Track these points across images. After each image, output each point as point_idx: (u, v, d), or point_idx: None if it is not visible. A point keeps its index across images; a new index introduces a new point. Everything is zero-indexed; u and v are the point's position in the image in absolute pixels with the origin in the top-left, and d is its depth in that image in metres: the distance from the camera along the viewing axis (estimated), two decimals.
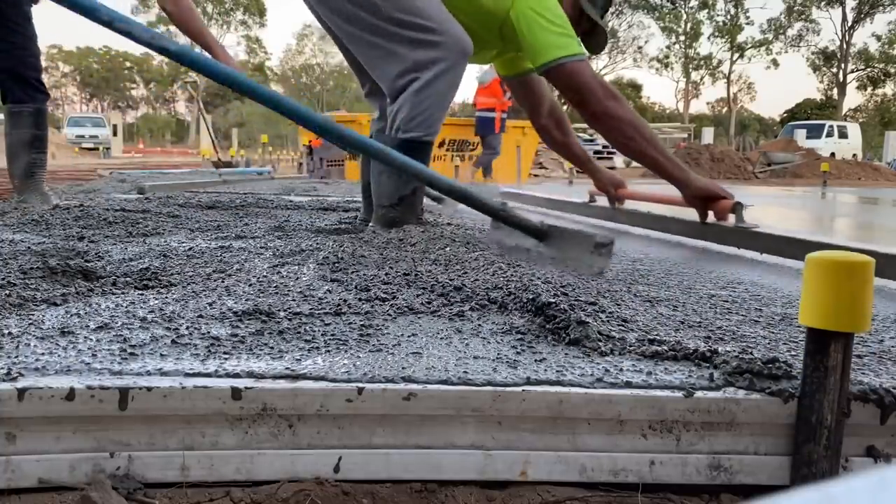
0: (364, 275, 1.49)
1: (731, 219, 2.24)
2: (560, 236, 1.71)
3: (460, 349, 0.95)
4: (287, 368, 0.83)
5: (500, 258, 1.83)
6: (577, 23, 2.30)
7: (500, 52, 2.51)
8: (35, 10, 2.96)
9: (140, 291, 1.24)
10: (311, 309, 1.13)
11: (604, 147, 18.93)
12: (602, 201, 3.13)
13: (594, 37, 2.44)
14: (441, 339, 1.00)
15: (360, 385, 0.80)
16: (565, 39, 2.18)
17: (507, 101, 9.32)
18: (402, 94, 2.15)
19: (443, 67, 2.13)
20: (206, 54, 2.74)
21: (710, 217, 2.33)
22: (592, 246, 1.60)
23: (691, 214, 2.43)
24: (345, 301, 1.20)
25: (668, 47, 50.52)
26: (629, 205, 3.02)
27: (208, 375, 0.80)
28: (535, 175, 13.14)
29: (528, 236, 1.74)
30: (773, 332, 1.14)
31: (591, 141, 19.92)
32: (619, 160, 18.10)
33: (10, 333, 0.93)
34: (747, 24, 49.91)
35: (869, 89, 49.52)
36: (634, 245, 2.38)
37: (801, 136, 22.31)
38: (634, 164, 13.79)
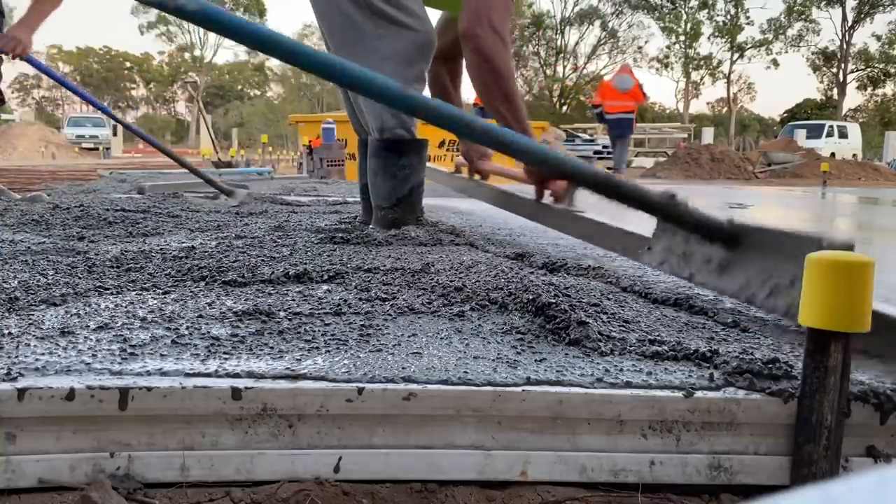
0: (364, 275, 1.48)
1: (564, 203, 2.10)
2: (758, 240, 1.15)
3: (460, 349, 0.95)
4: (287, 368, 0.83)
5: (503, 259, 1.83)
6: None
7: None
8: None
9: (140, 291, 1.24)
10: (311, 309, 1.13)
11: (604, 147, 18.92)
12: (465, 172, 2.93)
13: None
14: (441, 339, 1.00)
15: (360, 385, 0.80)
16: None
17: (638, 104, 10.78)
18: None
19: (401, 61, 2.13)
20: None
21: (546, 197, 2.19)
22: (796, 245, 1.01)
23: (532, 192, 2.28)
24: (345, 301, 1.20)
25: (668, 47, 50.52)
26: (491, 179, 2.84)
27: (208, 375, 0.80)
28: None
29: (705, 240, 1.25)
30: (774, 332, 1.13)
31: (592, 141, 19.92)
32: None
33: (10, 333, 0.93)
34: (747, 24, 49.90)
35: (869, 89, 49.53)
36: None
37: (801, 136, 22.30)
38: (636, 163, 13.69)
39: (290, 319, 1.06)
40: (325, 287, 1.34)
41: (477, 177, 2.81)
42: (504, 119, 2.09)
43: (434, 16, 2.39)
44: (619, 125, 10.93)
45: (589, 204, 2.03)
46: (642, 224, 1.50)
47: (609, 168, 11.55)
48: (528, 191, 2.29)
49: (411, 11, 2.16)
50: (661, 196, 1.28)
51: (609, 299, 1.31)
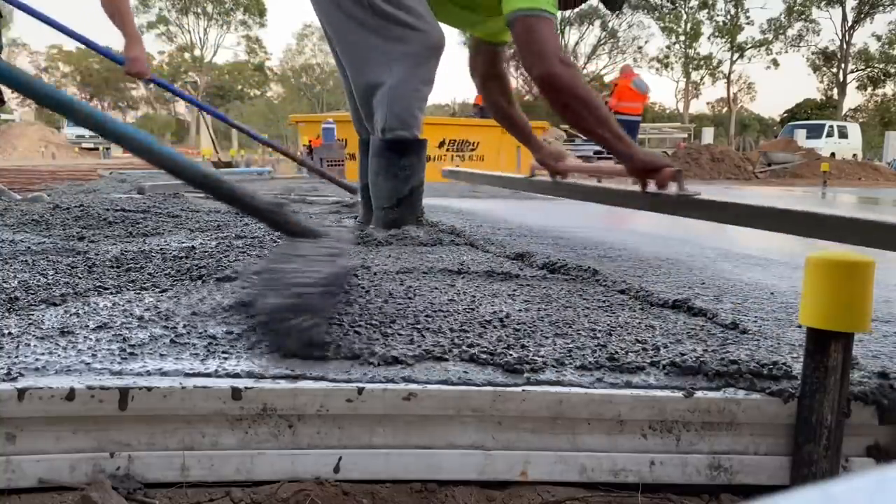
0: (363, 274, 1.49)
1: (673, 189, 2.13)
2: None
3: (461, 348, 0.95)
4: (287, 368, 0.83)
5: (503, 259, 1.83)
6: None
7: (480, 22, 2.46)
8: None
9: (139, 291, 1.24)
10: None
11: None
12: (545, 177, 2.96)
13: None
14: (441, 338, 1.00)
15: (360, 385, 0.80)
16: None
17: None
18: (374, 89, 2.16)
19: (411, 63, 2.14)
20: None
21: (652, 187, 2.21)
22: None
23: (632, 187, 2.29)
24: (345, 301, 1.20)
25: (668, 47, 50.49)
26: (571, 178, 2.85)
27: (208, 375, 0.80)
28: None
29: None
30: (774, 332, 1.13)
31: (591, 141, 19.87)
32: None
33: (10, 333, 0.92)
34: (747, 24, 49.88)
35: (869, 89, 49.50)
36: (613, 236, 2.38)
37: (801, 136, 22.29)
38: None
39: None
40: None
41: (559, 177, 2.84)
42: (607, 141, 2.16)
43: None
44: (631, 126, 11.27)
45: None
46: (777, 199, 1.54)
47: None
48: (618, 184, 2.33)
49: (417, 13, 2.17)
50: (268, 203, 1.18)
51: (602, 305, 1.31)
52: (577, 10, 2.43)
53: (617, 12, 2.57)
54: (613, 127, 2.20)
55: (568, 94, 2.10)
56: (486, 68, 2.67)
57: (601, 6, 2.50)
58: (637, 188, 2.23)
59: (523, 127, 2.84)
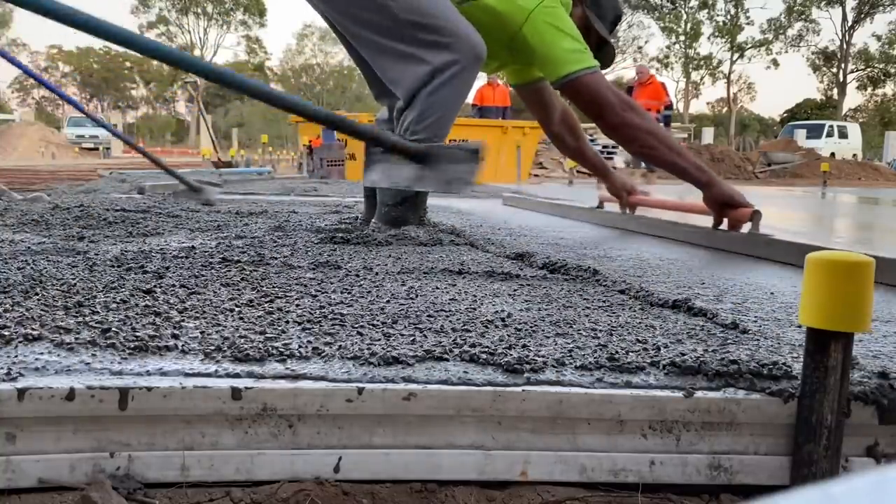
0: (365, 275, 1.49)
1: (746, 227, 2.21)
2: (438, 154, 1.84)
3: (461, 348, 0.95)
4: (287, 368, 0.83)
5: (503, 260, 1.83)
6: (586, 38, 2.30)
7: (504, 63, 2.51)
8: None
9: (140, 290, 1.24)
10: (310, 308, 1.13)
11: (604, 147, 18.89)
12: (612, 206, 3.10)
13: (603, 53, 2.44)
14: (441, 338, 1.00)
15: (360, 385, 0.80)
16: (579, 54, 2.19)
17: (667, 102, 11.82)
18: (415, 95, 2.14)
19: (457, 70, 2.13)
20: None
21: (724, 224, 2.30)
22: (465, 155, 1.72)
23: (702, 221, 2.41)
24: (344, 301, 1.20)
25: (668, 47, 50.52)
26: (640, 210, 2.98)
27: (208, 375, 0.80)
28: (536, 175, 13.12)
29: (409, 161, 1.82)
30: (774, 332, 1.13)
31: (592, 141, 19.92)
32: (619, 160, 18.06)
33: (9, 333, 0.92)
34: (747, 24, 49.89)
35: (869, 89, 49.53)
36: (632, 244, 2.38)
37: (801, 136, 22.30)
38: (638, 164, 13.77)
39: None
40: (324, 287, 1.34)
41: (629, 210, 2.93)
42: (685, 171, 2.26)
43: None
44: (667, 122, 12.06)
45: (770, 227, 2.14)
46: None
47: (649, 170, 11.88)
48: (691, 219, 2.44)
49: (455, 20, 2.14)
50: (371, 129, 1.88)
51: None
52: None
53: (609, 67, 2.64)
54: (688, 155, 2.31)
55: (640, 132, 2.22)
56: (544, 116, 2.77)
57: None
58: (709, 223, 2.33)
59: (595, 160, 2.97)
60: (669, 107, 12.27)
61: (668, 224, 2.63)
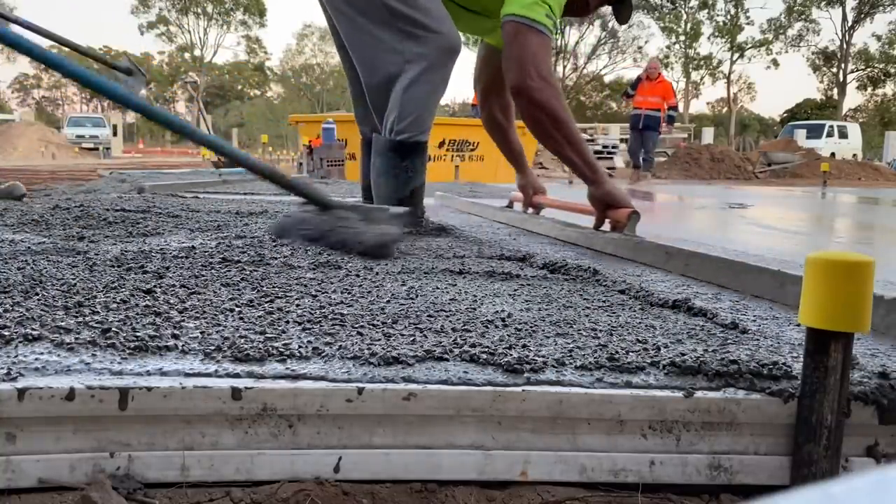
0: (364, 274, 1.49)
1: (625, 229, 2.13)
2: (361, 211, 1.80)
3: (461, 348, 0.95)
4: (287, 368, 0.83)
5: (503, 259, 1.83)
6: None
7: (494, 28, 2.45)
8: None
9: (140, 290, 1.24)
10: (310, 308, 1.13)
11: (603, 147, 18.91)
12: (519, 206, 3.00)
13: (621, 7, 2.41)
14: (442, 338, 1.00)
15: (360, 385, 0.80)
16: (538, 6, 2.08)
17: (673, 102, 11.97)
18: (388, 86, 2.15)
19: (426, 65, 2.13)
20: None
21: (606, 225, 2.24)
22: (387, 217, 1.67)
23: (588, 221, 2.32)
24: (344, 301, 1.20)
25: (668, 47, 50.53)
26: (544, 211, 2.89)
27: (208, 375, 0.80)
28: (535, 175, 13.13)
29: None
30: (774, 332, 1.13)
31: (591, 141, 19.92)
32: (619, 160, 18.08)
33: (9, 333, 0.92)
34: (747, 24, 49.89)
35: (869, 89, 49.53)
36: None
37: (801, 136, 22.30)
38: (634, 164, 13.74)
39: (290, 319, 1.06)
40: (324, 287, 1.34)
41: (531, 210, 2.90)
42: (574, 164, 2.18)
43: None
44: (647, 122, 11.97)
45: (645, 232, 2.09)
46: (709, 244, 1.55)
47: (609, 168, 11.82)
48: (586, 221, 2.35)
49: (433, 15, 2.15)
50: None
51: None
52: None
53: (626, 24, 2.58)
54: (584, 151, 2.19)
55: (538, 109, 2.10)
56: (490, 80, 2.68)
57: (601, 9, 2.50)
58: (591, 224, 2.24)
59: (515, 146, 2.84)
60: (675, 108, 12.25)
61: (556, 224, 2.51)
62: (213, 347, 0.89)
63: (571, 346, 0.98)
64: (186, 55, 54.50)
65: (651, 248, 1.91)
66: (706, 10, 48.37)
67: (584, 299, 1.34)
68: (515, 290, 1.40)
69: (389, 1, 2.10)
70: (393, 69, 2.15)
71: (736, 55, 49.60)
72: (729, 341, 1.05)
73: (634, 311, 1.26)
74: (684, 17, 48.77)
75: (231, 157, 1.87)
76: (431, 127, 2.27)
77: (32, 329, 0.94)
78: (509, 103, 2.72)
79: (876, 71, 47.86)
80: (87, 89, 1.51)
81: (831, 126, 25.09)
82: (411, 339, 0.98)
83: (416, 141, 2.20)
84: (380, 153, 2.26)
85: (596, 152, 18.51)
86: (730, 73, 50.29)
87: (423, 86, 2.15)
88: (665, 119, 11.79)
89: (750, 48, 49.62)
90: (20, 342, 0.89)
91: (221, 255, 1.64)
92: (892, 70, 47.14)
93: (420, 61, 2.12)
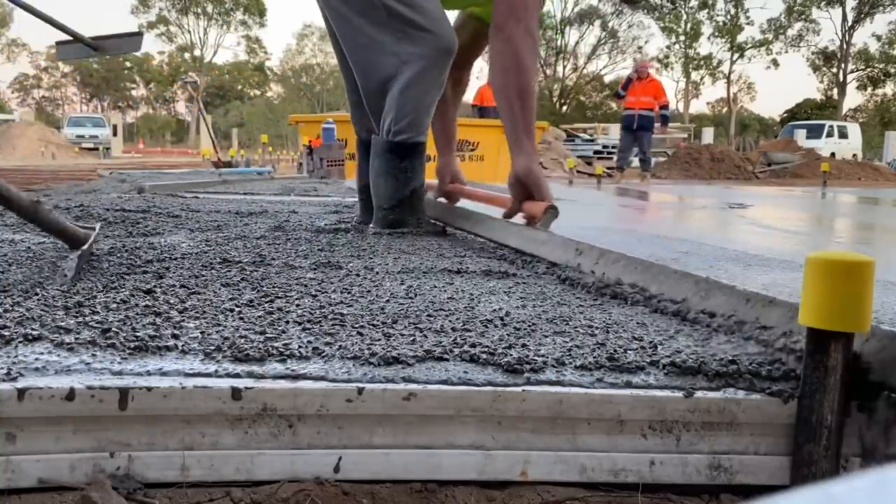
0: (364, 274, 1.49)
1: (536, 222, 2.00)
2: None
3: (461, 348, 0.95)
4: (287, 368, 0.83)
5: (499, 262, 1.83)
6: None
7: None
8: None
9: (140, 290, 1.24)
10: (310, 308, 1.13)
11: (603, 147, 18.91)
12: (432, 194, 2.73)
13: None
14: (441, 338, 1.00)
15: (360, 385, 0.80)
16: None
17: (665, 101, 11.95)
18: (383, 87, 2.15)
19: (423, 64, 2.13)
20: None
21: (519, 216, 2.12)
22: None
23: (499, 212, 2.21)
24: (344, 301, 1.20)
25: (668, 47, 50.54)
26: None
27: (208, 375, 0.80)
28: None
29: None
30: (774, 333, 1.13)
31: (591, 141, 19.91)
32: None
33: (9, 333, 0.92)
34: (747, 24, 49.89)
35: (869, 89, 49.53)
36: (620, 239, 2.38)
37: (801, 136, 22.30)
38: (635, 163, 13.74)
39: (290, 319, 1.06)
40: (324, 287, 1.34)
41: (443, 199, 2.69)
42: (512, 112, 2.06)
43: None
44: (641, 123, 12.00)
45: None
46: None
47: (610, 169, 11.80)
48: (496, 213, 2.20)
49: (430, 15, 2.15)
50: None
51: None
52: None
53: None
54: (530, 109, 2.08)
55: (510, 49, 2.04)
56: (467, 43, 2.51)
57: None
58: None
59: (449, 126, 2.68)
60: (666, 106, 12.27)
61: (464, 214, 2.39)
62: (213, 347, 0.89)
63: (570, 344, 0.98)
64: (186, 55, 54.52)
65: (558, 240, 1.75)
66: (706, 10, 48.38)
67: (577, 297, 1.34)
68: (511, 288, 1.41)
69: (388, 1, 2.10)
70: (389, 71, 2.15)
71: (736, 55, 49.62)
72: (729, 342, 1.04)
73: (623, 307, 1.26)
74: (684, 17, 48.77)
75: None
76: (429, 127, 2.27)
77: (32, 329, 0.94)
78: (463, 79, 2.65)
79: (876, 71, 47.87)
80: None
81: (831, 126, 25.09)
82: (411, 338, 0.98)
83: (414, 142, 2.20)
84: (378, 154, 2.26)
85: (596, 152, 18.51)
86: (730, 73, 50.31)
87: (419, 86, 2.15)
88: (659, 119, 11.79)
89: (750, 48, 49.63)
90: (20, 342, 0.89)
91: (222, 256, 1.64)
92: (892, 70, 47.15)
93: (416, 62, 2.12)
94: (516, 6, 2.06)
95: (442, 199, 2.69)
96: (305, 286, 1.33)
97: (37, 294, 1.16)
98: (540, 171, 2.11)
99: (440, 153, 2.70)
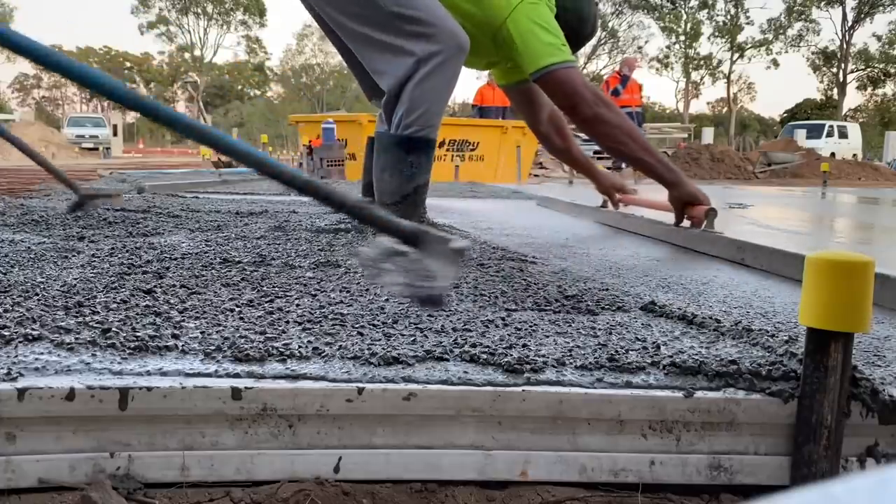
0: (362, 273, 1.48)
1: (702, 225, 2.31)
2: (428, 242, 1.27)
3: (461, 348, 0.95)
4: (287, 368, 0.83)
5: (504, 261, 1.83)
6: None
7: (493, 62, 2.53)
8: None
9: (140, 290, 1.24)
10: (310, 308, 1.13)
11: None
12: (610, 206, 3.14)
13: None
14: (442, 338, 1.00)
15: (360, 385, 0.80)
16: (558, 48, 2.22)
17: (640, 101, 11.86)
18: (402, 87, 2.15)
19: (440, 60, 2.13)
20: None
21: (686, 222, 2.39)
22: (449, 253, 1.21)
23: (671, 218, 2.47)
24: (344, 301, 1.20)
25: (668, 47, 50.50)
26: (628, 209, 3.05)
27: (208, 375, 0.80)
28: (535, 175, 13.12)
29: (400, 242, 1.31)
30: (774, 333, 1.13)
31: (590, 141, 19.91)
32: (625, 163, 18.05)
33: (9, 333, 0.92)
34: (747, 24, 49.88)
35: (869, 89, 49.52)
36: (628, 243, 2.38)
37: (801, 136, 22.29)
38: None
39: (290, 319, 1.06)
40: (324, 287, 1.34)
41: (621, 206, 3.02)
42: (653, 168, 2.33)
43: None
44: (640, 119, 12.03)
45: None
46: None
47: (616, 167, 11.82)
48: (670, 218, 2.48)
49: (437, 12, 2.16)
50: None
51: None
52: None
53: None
54: (657, 154, 2.37)
55: (614, 127, 2.26)
56: (534, 119, 2.80)
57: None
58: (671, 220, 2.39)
59: (581, 159, 3.01)
60: (641, 106, 12.43)
61: (648, 223, 2.68)
62: (213, 347, 0.89)
63: (571, 345, 0.98)
64: (186, 55, 54.49)
65: (724, 241, 2.10)
66: (706, 10, 48.37)
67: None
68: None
69: (395, 7, 2.10)
70: (406, 71, 2.15)
71: (736, 55, 49.60)
72: (729, 342, 1.04)
73: (628, 311, 1.26)
74: (684, 17, 48.75)
75: (256, 165, 1.27)
76: (439, 126, 2.27)
77: (32, 329, 0.94)
78: (561, 126, 2.85)
79: (876, 71, 47.86)
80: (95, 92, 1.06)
81: (831, 126, 25.08)
82: (411, 338, 0.98)
83: (422, 136, 2.20)
84: (384, 149, 2.25)
85: (595, 152, 18.49)
86: (730, 73, 50.28)
87: (433, 80, 2.15)
88: (634, 118, 11.95)
89: (750, 48, 49.61)
90: (20, 342, 0.89)
91: (222, 256, 1.64)
92: (892, 70, 47.15)
93: (433, 58, 2.13)
94: (581, 96, 2.23)
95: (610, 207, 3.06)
96: (305, 286, 1.33)
97: (37, 294, 1.16)
98: (693, 187, 2.38)
99: (593, 180, 3.05)
